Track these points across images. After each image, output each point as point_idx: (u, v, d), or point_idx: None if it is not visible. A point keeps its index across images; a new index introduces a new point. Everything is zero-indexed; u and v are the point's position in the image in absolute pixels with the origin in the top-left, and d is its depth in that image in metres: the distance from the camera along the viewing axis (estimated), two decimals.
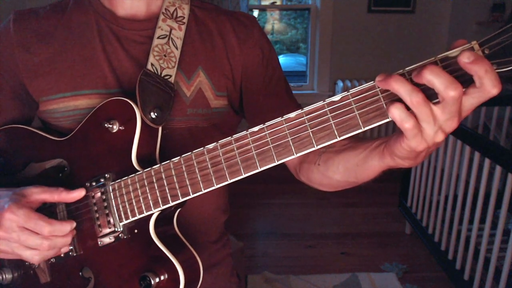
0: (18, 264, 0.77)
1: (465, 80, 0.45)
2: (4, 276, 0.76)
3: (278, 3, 4.13)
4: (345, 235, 2.74)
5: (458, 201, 2.10)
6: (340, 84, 3.52)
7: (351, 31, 3.54)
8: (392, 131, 3.37)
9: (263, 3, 4.06)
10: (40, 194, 0.69)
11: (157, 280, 0.65)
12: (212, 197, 0.88)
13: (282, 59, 4.47)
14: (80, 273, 0.72)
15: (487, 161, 1.87)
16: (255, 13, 3.95)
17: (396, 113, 0.47)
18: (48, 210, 0.73)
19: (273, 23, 4.40)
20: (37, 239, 0.66)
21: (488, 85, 0.44)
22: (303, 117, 0.55)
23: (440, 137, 0.49)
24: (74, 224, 0.70)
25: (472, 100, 0.47)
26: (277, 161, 0.57)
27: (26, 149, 0.79)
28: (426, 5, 3.49)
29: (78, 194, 0.70)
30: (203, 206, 0.86)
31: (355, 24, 3.53)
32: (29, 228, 0.65)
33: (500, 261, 1.85)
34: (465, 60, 0.43)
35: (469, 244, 2.00)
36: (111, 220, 0.70)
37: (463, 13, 3.35)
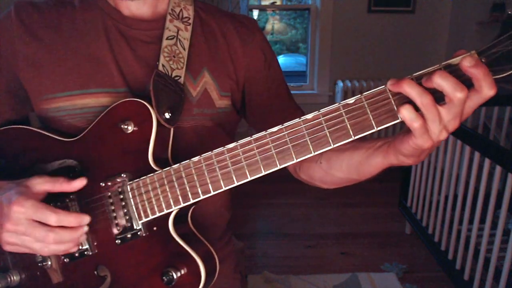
0: (26, 265, 0.76)
1: (466, 86, 0.51)
2: (11, 278, 0.76)
3: (278, 3, 4.13)
4: (345, 235, 2.74)
5: (458, 201, 2.10)
6: (340, 84, 3.52)
7: (351, 31, 3.54)
8: (389, 133, 3.37)
9: (263, 3, 4.06)
10: (43, 185, 0.68)
11: (179, 274, 0.67)
12: (218, 195, 0.89)
13: (282, 59, 4.48)
14: (95, 272, 0.73)
15: (487, 161, 1.87)
16: (255, 13, 3.95)
17: (406, 113, 0.52)
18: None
19: (273, 23, 4.40)
20: (42, 231, 0.65)
21: (485, 88, 0.50)
22: (320, 118, 0.58)
23: (444, 135, 0.54)
24: (86, 219, 0.68)
25: (471, 102, 0.52)
26: (296, 159, 0.60)
27: (31, 150, 0.78)
28: (426, 5, 3.50)
29: (79, 183, 0.69)
30: (208, 204, 0.87)
31: (355, 24, 3.53)
32: (37, 219, 0.65)
33: (500, 261, 1.85)
34: (467, 64, 0.49)
35: (469, 244, 2.01)
36: (130, 219, 0.70)
37: (463, 13, 3.35)
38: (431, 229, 2.36)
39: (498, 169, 1.82)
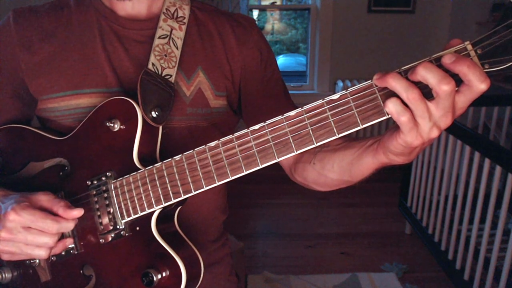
0: (18, 263, 0.77)
1: (458, 79, 0.47)
2: (3, 275, 0.76)
3: (278, 3, 4.13)
4: (345, 235, 2.74)
5: (458, 201, 2.10)
6: (340, 84, 3.52)
7: (351, 31, 3.54)
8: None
9: (263, 3, 4.06)
10: (45, 202, 0.69)
11: (159, 276, 0.65)
12: (211, 196, 0.88)
13: (282, 59, 4.47)
14: (81, 271, 0.73)
15: (487, 161, 1.87)
16: (255, 13, 3.95)
17: (392, 107, 0.49)
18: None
19: (273, 23, 4.40)
20: (45, 238, 0.66)
21: (475, 81, 0.46)
22: (303, 115, 0.56)
23: (435, 133, 0.50)
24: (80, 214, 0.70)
25: (464, 97, 0.49)
26: (278, 158, 0.58)
27: (26, 149, 0.79)
28: (426, 5, 3.49)
29: (77, 213, 0.69)
30: (202, 205, 0.86)
31: (355, 24, 3.53)
32: (37, 228, 0.65)
33: (500, 261, 1.85)
34: (447, 61, 0.46)
35: (469, 244, 2.00)
36: (113, 218, 0.70)
37: (463, 13, 3.35)
38: (431, 229, 2.36)
39: (498, 169, 1.81)
